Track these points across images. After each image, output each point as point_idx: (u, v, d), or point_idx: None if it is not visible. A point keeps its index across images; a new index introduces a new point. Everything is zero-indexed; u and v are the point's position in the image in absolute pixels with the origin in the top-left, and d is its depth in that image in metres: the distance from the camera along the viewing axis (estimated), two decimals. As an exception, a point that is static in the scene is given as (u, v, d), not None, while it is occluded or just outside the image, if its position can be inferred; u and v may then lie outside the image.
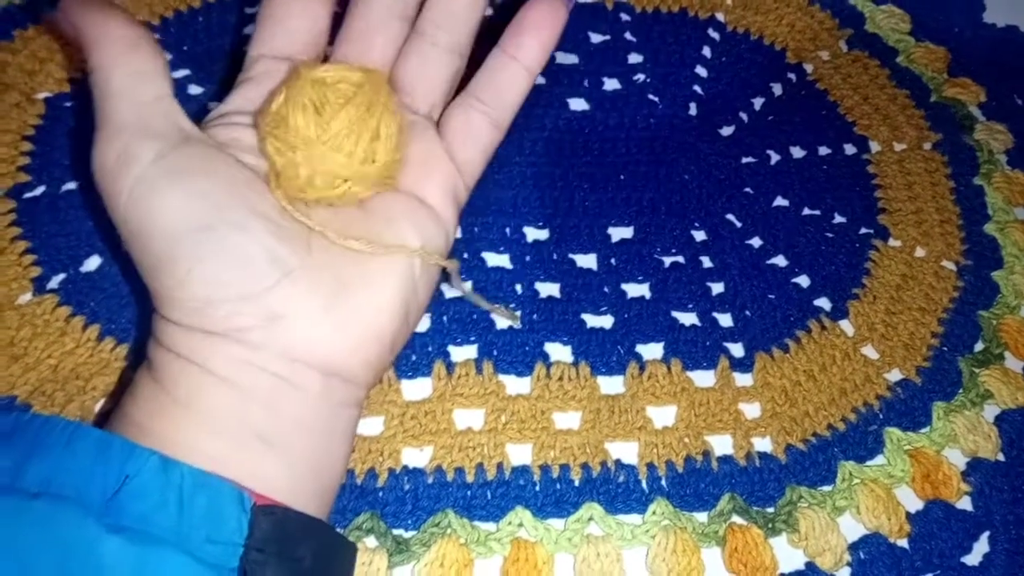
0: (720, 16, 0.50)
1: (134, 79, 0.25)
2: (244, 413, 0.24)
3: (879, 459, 0.35)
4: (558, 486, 0.33)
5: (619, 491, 0.33)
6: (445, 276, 0.30)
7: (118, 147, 0.24)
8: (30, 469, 0.21)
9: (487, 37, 0.46)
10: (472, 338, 0.36)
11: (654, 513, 0.33)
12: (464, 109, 0.30)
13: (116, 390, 0.33)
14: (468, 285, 0.37)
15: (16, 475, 0.21)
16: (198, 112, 0.41)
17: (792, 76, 0.48)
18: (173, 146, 0.24)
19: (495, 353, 0.36)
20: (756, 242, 0.41)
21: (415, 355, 0.35)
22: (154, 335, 0.25)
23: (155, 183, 0.24)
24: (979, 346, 0.39)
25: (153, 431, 0.24)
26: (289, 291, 0.25)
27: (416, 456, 0.33)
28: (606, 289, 0.39)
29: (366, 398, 0.28)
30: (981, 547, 0.34)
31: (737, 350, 0.38)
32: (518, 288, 0.38)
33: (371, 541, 0.31)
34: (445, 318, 0.37)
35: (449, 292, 0.37)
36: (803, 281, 0.40)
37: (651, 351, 0.37)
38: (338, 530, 0.30)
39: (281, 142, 0.25)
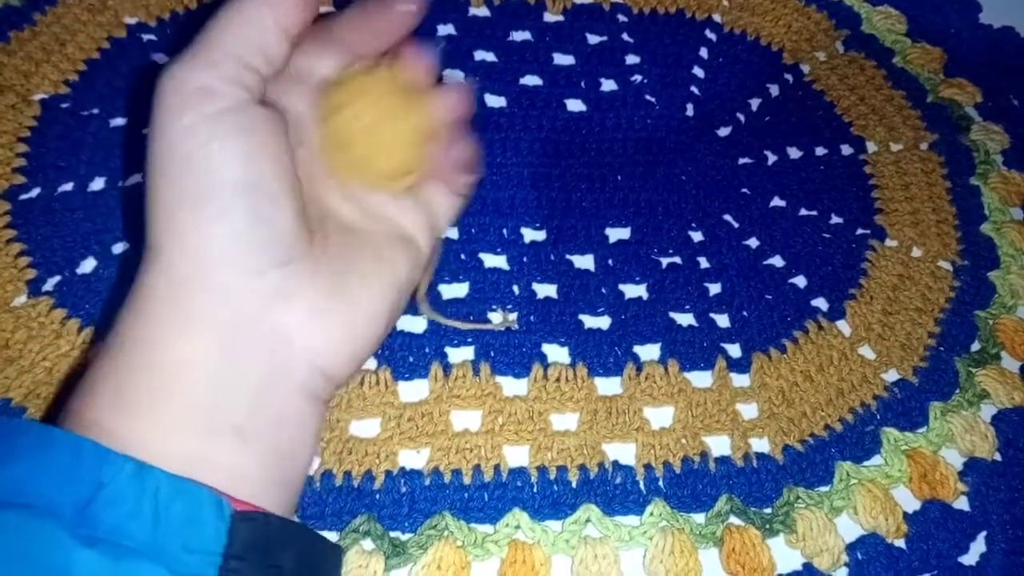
0: (717, 17, 0.50)
1: (275, 34, 0.25)
2: (224, 401, 0.24)
3: (876, 459, 0.36)
4: (555, 487, 0.33)
5: (616, 492, 0.33)
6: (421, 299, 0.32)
7: (206, 78, 0.24)
8: None
9: (489, 38, 0.46)
10: (469, 339, 0.36)
11: (652, 514, 0.33)
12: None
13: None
14: (466, 324, 0.37)
15: None
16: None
17: (789, 77, 0.48)
18: (253, 100, 0.24)
19: (492, 354, 0.36)
20: (753, 243, 0.41)
21: (412, 357, 0.35)
22: (133, 309, 0.24)
23: (224, 127, 0.23)
24: (976, 346, 0.39)
25: (115, 432, 0.23)
26: (293, 275, 0.25)
27: (413, 458, 0.33)
28: (603, 290, 0.39)
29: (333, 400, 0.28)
30: (978, 547, 0.34)
31: (734, 351, 0.38)
32: (515, 289, 0.38)
33: (368, 544, 0.31)
34: (442, 319, 0.37)
35: (445, 295, 0.37)
36: (800, 281, 0.40)
37: (648, 352, 0.37)
38: (322, 534, 0.30)
39: (368, 109, 0.27)
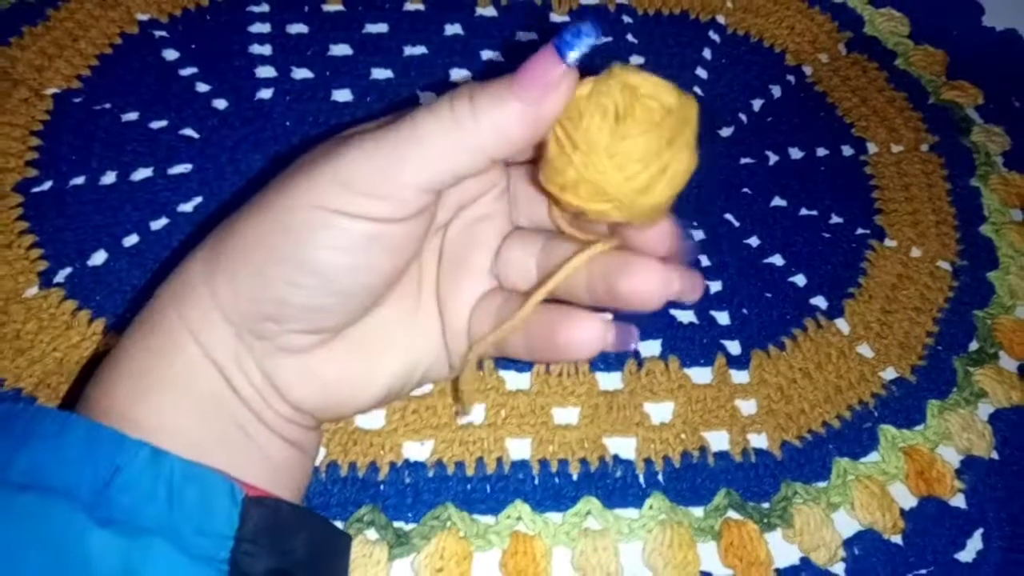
0: (720, 18, 0.50)
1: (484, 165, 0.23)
2: (231, 403, 0.24)
3: (873, 456, 0.36)
4: (557, 480, 0.33)
5: (617, 486, 0.33)
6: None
7: (387, 187, 0.22)
8: (19, 460, 0.21)
9: (495, 38, 0.47)
10: (473, 334, 0.37)
11: (651, 508, 0.33)
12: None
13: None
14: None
15: (4, 467, 0.21)
16: (204, 109, 0.42)
17: (791, 78, 0.48)
18: (410, 216, 0.23)
19: (495, 349, 0.36)
20: (754, 241, 0.42)
21: (416, 350, 0.36)
22: (172, 293, 0.25)
23: (362, 233, 0.23)
24: (974, 345, 0.40)
25: (129, 414, 0.23)
26: (308, 339, 0.25)
27: (417, 450, 0.34)
28: (605, 287, 0.39)
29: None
30: (975, 544, 0.34)
31: (734, 347, 0.38)
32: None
33: (372, 533, 0.32)
34: (446, 314, 0.37)
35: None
36: (800, 280, 0.41)
37: (649, 348, 0.38)
38: (334, 522, 0.30)
39: (566, 135, 0.23)
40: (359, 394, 0.26)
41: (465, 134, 0.22)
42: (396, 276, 0.25)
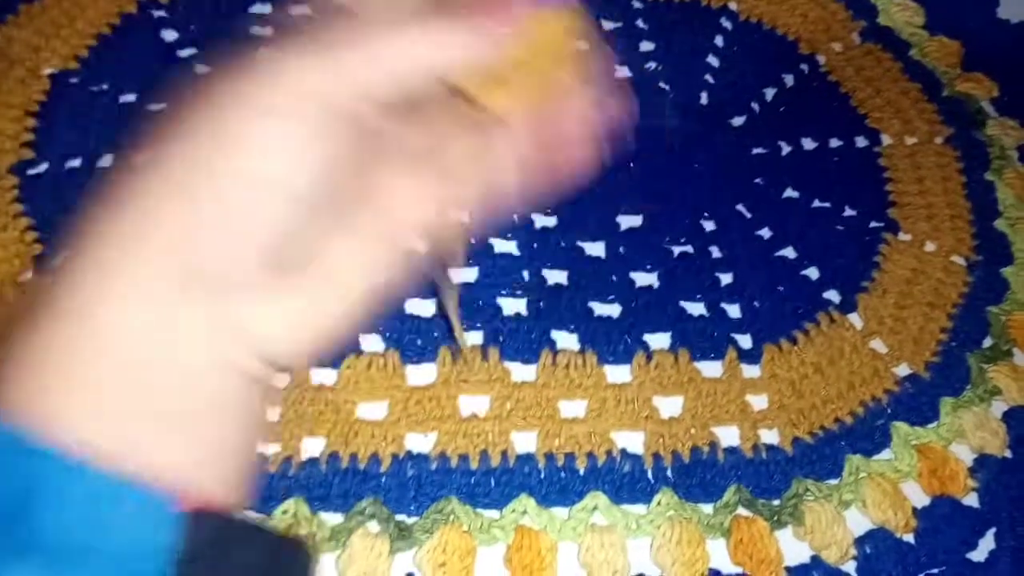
0: (732, 5, 0.49)
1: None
2: (151, 384, 0.20)
3: (886, 453, 0.35)
4: (563, 474, 0.33)
5: (624, 481, 0.33)
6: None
7: (329, 83, 0.20)
8: None
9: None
10: (478, 324, 0.36)
11: (659, 503, 0.32)
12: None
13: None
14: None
15: None
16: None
17: (804, 67, 0.48)
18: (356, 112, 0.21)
19: (501, 340, 0.35)
20: (766, 233, 0.41)
21: (421, 340, 0.35)
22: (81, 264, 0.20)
23: (304, 130, 0.20)
24: (988, 342, 0.39)
25: (39, 415, 0.19)
26: (270, 273, 0.21)
27: (420, 442, 0.33)
28: (614, 278, 0.38)
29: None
30: (987, 543, 0.34)
31: (745, 341, 0.37)
32: (525, 275, 0.38)
33: (373, 526, 0.31)
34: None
35: (454, 279, 0.37)
36: (812, 273, 0.40)
37: (658, 341, 0.37)
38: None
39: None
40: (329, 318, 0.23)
41: None
42: (339, 164, 0.22)
